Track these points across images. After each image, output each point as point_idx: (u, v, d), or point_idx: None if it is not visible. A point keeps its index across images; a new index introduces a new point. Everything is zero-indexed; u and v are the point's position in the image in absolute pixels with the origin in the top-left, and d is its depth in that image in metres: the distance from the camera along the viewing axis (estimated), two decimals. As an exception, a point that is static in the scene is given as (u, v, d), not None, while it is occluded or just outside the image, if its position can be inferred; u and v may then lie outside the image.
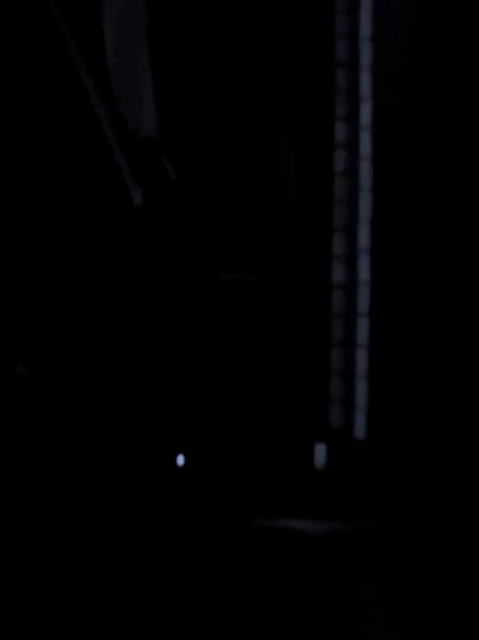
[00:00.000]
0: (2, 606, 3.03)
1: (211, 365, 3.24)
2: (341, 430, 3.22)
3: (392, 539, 3.14)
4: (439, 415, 3.15)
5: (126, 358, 3.17)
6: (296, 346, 3.23)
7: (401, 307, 3.20)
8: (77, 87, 3.22)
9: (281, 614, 3.09)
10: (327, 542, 3.16)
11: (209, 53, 3.31)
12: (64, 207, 3.18)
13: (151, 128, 3.29)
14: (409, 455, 3.17)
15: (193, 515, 3.16)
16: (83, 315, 3.16)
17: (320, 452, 3.23)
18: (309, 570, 3.14)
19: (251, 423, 3.22)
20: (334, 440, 3.21)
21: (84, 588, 3.08)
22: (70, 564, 3.10)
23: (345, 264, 3.21)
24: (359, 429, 3.21)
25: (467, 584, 3.06)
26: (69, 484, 3.13)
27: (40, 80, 3.21)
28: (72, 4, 3.25)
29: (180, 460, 3.22)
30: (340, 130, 3.18)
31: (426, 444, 3.17)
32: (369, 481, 3.19)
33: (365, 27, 3.12)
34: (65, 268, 3.16)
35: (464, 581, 3.07)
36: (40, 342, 3.15)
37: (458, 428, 3.11)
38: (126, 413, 3.17)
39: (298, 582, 3.12)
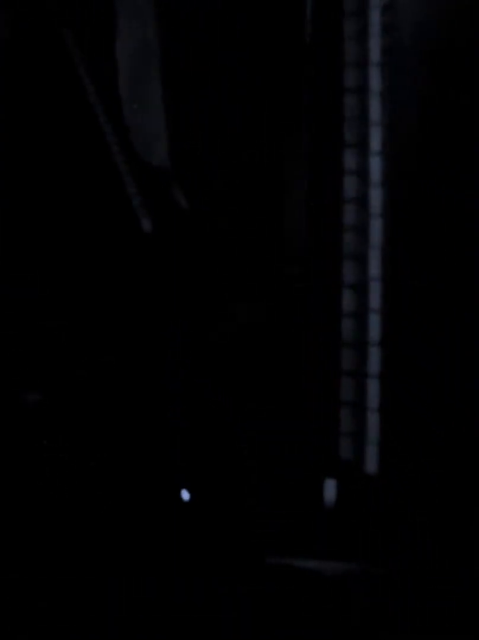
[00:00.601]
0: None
1: (214, 388, 3.19)
2: (351, 464, 3.11)
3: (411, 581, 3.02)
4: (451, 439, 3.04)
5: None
6: (303, 373, 3.16)
7: (413, 334, 3.11)
8: (89, 115, 3.27)
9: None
10: (340, 583, 3.05)
11: (223, 85, 3.33)
12: (70, 220, 3.19)
13: (163, 157, 3.31)
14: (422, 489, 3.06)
15: (200, 543, 3.09)
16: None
17: (330, 488, 3.13)
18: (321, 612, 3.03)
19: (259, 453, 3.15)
20: (344, 474, 3.11)
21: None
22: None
23: (355, 294, 3.14)
24: (371, 464, 3.10)
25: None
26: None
27: (53, 109, 3.26)
28: (87, 35, 3.31)
29: (185, 495, 3.14)
30: (349, 157, 3.15)
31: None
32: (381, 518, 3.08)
33: (375, 54, 3.11)
34: (68, 273, 3.16)
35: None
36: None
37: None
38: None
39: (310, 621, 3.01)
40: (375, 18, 3.08)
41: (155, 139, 3.32)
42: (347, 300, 3.14)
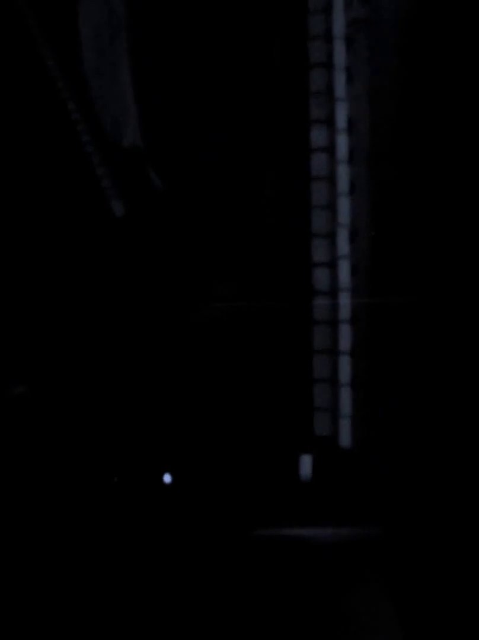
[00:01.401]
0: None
1: (197, 375, 3.22)
2: (326, 440, 3.17)
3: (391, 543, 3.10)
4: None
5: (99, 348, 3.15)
6: (279, 356, 3.18)
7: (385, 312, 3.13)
8: (51, 91, 3.20)
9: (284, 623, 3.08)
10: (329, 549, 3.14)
11: (193, 58, 3.26)
12: (32, 204, 3.17)
13: (134, 135, 3.26)
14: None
15: (185, 527, 3.16)
16: (52, 304, 3.14)
17: (306, 463, 3.19)
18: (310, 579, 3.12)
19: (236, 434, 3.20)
20: (319, 450, 3.16)
21: (77, 590, 3.11)
22: (62, 566, 3.13)
23: (326, 271, 3.14)
24: (345, 438, 3.15)
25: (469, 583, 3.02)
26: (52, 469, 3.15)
27: (9, 85, 3.18)
28: (45, 3, 3.22)
29: (167, 477, 3.20)
30: (317, 134, 3.11)
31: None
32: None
33: (338, 27, 3.04)
34: (32, 261, 3.15)
35: (466, 581, 3.02)
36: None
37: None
38: (111, 395, 3.16)
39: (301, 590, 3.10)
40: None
41: (124, 116, 3.26)
42: (318, 279, 3.15)
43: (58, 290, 3.16)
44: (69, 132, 3.22)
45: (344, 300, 3.10)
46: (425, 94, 3.02)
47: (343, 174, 3.08)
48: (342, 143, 3.06)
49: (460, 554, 3.04)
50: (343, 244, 3.11)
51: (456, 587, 3.02)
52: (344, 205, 3.08)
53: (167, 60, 3.26)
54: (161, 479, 3.18)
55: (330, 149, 3.09)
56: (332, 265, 3.12)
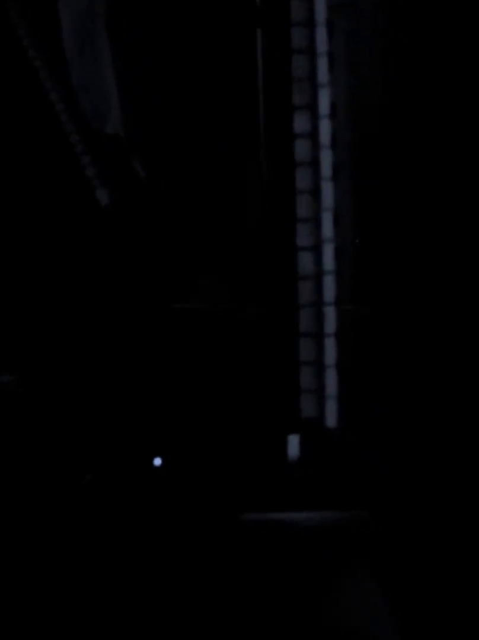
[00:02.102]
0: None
1: (181, 359, 3.25)
2: (313, 421, 3.21)
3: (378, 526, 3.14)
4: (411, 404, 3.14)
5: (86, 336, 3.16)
6: (265, 338, 3.22)
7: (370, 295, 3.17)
8: (33, 80, 3.20)
9: (273, 608, 3.11)
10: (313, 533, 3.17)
11: (172, 45, 3.27)
12: (17, 194, 3.16)
13: (116, 124, 3.26)
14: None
15: (176, 512, 3.19)
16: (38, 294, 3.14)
17: (293, 443, 3.23)
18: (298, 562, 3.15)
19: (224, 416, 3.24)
20: (306, 431, 3.21)
21: (68, 581, 3.13)
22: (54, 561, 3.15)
23: (311, 254, 3.18)
24: (331, 419, 3.20)
25: (456, 568, 3.07)
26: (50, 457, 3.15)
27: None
28: None
29: (157, 461, 3.23)
30: (300, 119, 3.14)
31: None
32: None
33: (320, 15, 3.06)
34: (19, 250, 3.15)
35: (453, 565, 3.07)
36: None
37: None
38: (99, 383, 3.17)
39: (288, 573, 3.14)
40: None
41: (106, 105, 3.27)
42: (303, 263, 3.18)
43: (46, 278, 3.17)
44: (53, 122, 3.22)
45: (329, 284, 3.14)
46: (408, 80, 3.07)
47: (326, 159, 3.12)
48: (325, 128, 3.10)
49: (444, 534, 3.09)
50: (327, 228, 3.15)
51: (439, 565, 3.08)
52: (327, 190, 3.12)
53: (148, 49, 3.27)
54: (151, 462, 3.21)
55: (313, 134, 3.13)
56: (317, 249, 3.17)
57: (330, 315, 3.18)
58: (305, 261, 3.18)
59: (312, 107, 3.13)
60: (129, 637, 3.06)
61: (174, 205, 3.22)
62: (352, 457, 3.19)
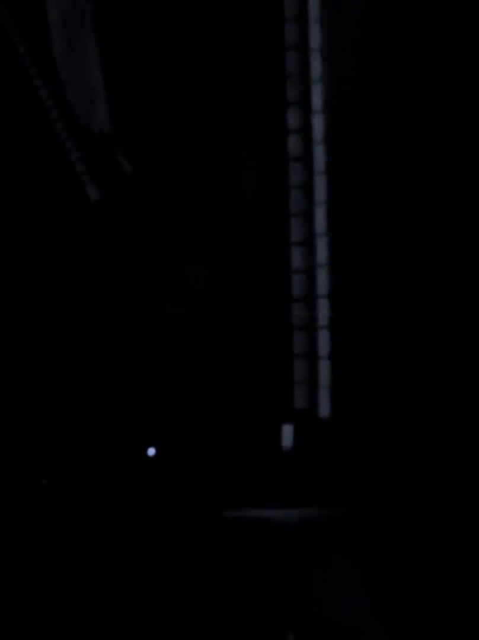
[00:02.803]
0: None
1: (175, 354, 3.26)
2: (306, 411, 3.25)
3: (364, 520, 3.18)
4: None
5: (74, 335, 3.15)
6: (259, 333, 3.25)
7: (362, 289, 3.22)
8: (21, 77, 3.17)
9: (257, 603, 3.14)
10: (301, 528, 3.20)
11: (162, 42, 3.27)
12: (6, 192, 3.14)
13: (103, 120, 3.26)
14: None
15: (163, 507, 3.20)
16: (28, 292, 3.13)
17: (287, 433, 3.27)
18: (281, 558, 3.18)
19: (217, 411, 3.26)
20: (299, 421, 3.25)
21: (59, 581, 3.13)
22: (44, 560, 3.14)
23: (303, 249, 3.22)
24: (324, 409, 3.25)
25: (442, 563, 3.12)
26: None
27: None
28: None
29: (151, 451, 3.25)
30: (293, 115, 3.17)
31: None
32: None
33: (313, 11, 3.10)
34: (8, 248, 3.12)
35: (438, 560, 3.12)
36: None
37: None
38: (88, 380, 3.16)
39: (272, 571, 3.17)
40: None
41: (93, 101, 3.26)
42: (296, 257, 3.22)
43: (35, 274, 3.15)
44: (42, 118, 3.21)
45: (322, 277, 3.18)
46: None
47: (319, 155, 3.15)
48: (318, 124, 3.14)
49: (428, 527, 3.15)
50: (320, 223, 3.19)
51: (423, 559, 3.13)
52: (320, 185, 3.16)
53: (136, 46, 3.27)
54: (144, 453, 3.22)
55: (305, 130, 3.17)
56: (309, 243, 3.21)
57: (323, 307, 3.22)
58: (298, 255, 3.22)
59: (304, 103, 3.16)
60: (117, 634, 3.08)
61: (164, 201, 3.22)
62: (348, 454, 3.22)
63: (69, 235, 3.19)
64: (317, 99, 3.15)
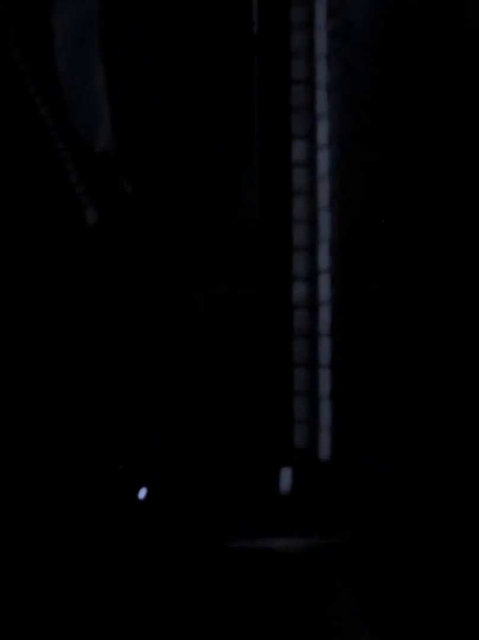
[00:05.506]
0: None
1: (170, 387, 3.21)
2: (305, 452, 3.19)
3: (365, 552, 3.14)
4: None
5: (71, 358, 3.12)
6: (257, 367, 3.19)
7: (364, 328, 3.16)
8: (24, 98, 3.14)
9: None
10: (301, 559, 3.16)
11: (165, 64, 3.23)
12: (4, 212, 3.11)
13: (107, 140, 3.22)
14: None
15: (162, 541, 3.15)
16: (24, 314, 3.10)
17: (285, 476, 3.20)
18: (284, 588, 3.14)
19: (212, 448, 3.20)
20: (298, 462, 3.19)
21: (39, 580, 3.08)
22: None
23: (305, 284, 3.16)
24: (324, 450, 3.18)
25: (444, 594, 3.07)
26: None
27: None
28: (17, 4, 3.15)
29: (142, 493, 3.18)
30: (298, 149, 3.12)
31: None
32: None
33: (320, 45, 3.05)
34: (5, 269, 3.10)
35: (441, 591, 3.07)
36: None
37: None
38: (85, 408, 3.13)
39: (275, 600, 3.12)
40: (321, 8, 3.03)
41: (97, 123, 3.22)
42: (298, 292, 3.16)
43: (38, 293, 3.12)
44: (42, 138, 3.17)
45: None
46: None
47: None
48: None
49: (428, 557, 3.10)
50: (324, 258, 3.13)
51: (421, 587, 3.08)
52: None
53: (141, 69, 3.23)
54: (137, 493, 3.17)
55: (309, 163, 3.12)
56: (312, 279, 3.15)
57: (325, 346, 3.16)
58: (300, 291, 3.16)
59: (310, 137, 3.12)
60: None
61: (165, 220, 3.18)
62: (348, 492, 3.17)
63: (69, 249, 3.16)
64: (323, 133, 3.10)
